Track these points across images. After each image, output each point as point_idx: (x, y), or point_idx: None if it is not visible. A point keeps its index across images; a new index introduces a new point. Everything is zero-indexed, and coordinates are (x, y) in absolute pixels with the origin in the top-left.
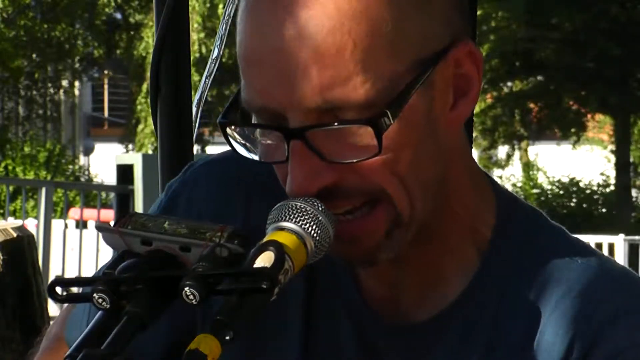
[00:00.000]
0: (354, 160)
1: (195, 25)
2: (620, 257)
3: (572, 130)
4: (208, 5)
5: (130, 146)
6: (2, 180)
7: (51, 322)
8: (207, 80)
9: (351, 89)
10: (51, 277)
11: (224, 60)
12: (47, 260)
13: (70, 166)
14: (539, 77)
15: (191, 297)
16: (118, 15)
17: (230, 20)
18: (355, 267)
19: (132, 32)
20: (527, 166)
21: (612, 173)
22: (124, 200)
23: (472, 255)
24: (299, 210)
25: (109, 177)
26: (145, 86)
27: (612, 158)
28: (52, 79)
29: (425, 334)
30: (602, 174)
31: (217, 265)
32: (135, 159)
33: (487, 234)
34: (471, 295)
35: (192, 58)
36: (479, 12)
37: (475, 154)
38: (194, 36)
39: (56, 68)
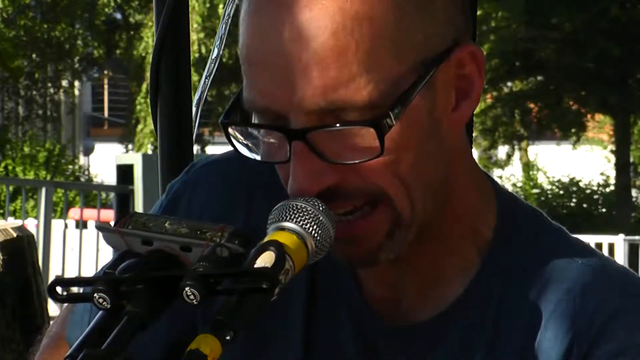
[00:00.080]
0: (356, 161)
1: (195, 25)
2: (620, 257)
3: (572, 130)
4: (208, 5)
5: (130, 146)
6: (2, 180)
7: (51, 322)
8: (206, 80)
9: (354, 90)
10: (51, 277)
11: (223, 60)
12: (47, 260)
13: (70, 166)
14: (539, 77)
15: (191, 297)
16: (118, 15)
17: (230, 20)
18: (356, 268)
19: (132, 32)
20: (527, 166)
21: (612, 173)
22: (124, 200)
23: (472, 255)
24: (299, 210)
25: (109, 177)
26: (145, 86)
27: (612, 158)
28: (52, 79)
29: (425, 335)
30: (602, 174)
31: (218, 265)
32: (135, 159)
33: (488, 234)
34: (472, 296)
35: (192, 58)
36: (479, 12)
37: (475, 154)
38: (193, 36)
39: (56, 68)
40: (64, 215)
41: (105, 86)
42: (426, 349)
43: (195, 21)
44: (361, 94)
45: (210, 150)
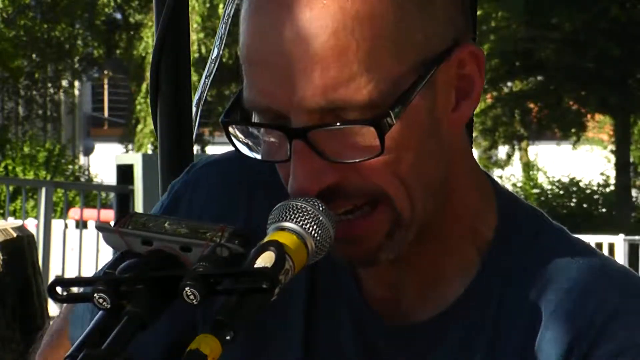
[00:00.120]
0: (356, 160)
1: (195, 25)
2: (620, 257)
3: (572, 130)
4: (208, 5)
5: (130, 146)
6: (2, 180)
7: (51, 322)
8: (206, 80)
9: (354, 90)
10: (51, 277)
11: (223, 60)
12: (47, 260)
13: (70, 166)
14: (539, 77)
15: (191, 297)
16: (118, 15)
17: (230, 20)
18: (356, 268)
19: (132, 32)
20: (527, 166)
21: (612, 173)
22: (124, 200)
23: (472, 255)
24: (299, 210)
25: (109, 177)
26: (144, 86)
27: (612, 158)
28: (52, 79)
29: (425, 335)
30: (602, 174)
31: (218, 265)
32: (135, 159)
33: (488, 234)
34: (472, 296)
35: (191, 58)
36: (479, 12)
37: (475, 154)
38: (193, 36)
39: (56, 68)
40: (64, 215)
41: (105, 86)
42: (426, 349)
43: (195, 21)
44: (361, 93)
45: (210, 150)
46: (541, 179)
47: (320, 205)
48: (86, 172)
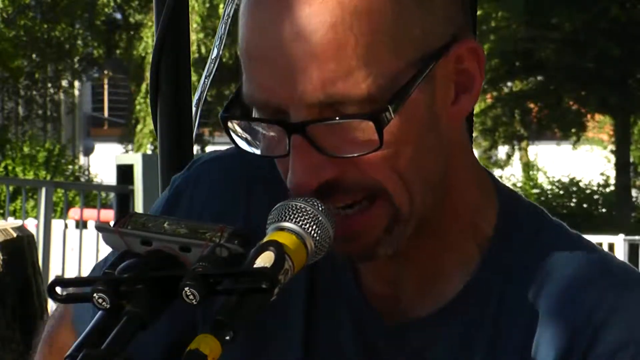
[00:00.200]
0: (355, 155)
1: (195, 25)
2: (620, 257)
3: (572, 130)
4: (208, 5)
5: (129, 146)
6: (2, 180)
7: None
8: (206, 80)
9: (353, 84)
10: (51, 277)
11: (223, 60)
12: (47, 260)
13: (70, 166)
14: (539, 77)
15: (191, 297)
16: (118, 15)
17: (230, 20)
18: (355, 263)
19: (132, 32)
20: (527, 166)
21: (612, 173)
22: (123, 200)
23: (472, 251)
24: (299, 211)
25: (109, 177)
26: (144, 86)
27: (612, 158)
28: (52, 79)
29: (424, 331)
30: (602, 174)
31: (217, 265)
32: (135, 159)
33: (488, 230)
34: (471, 292)
35: (191, 58)
36: (479, 12)
37: (475, 154)
38: (193, 36)
39: (56, 68)
40: (64, 215)
41: (105, 86)
42: (426, 346)
43: (195, 21)
44: (360, 88)
45: (210, 150)
46: (541, 179)
47: (319, 205)
48: (86, 172)
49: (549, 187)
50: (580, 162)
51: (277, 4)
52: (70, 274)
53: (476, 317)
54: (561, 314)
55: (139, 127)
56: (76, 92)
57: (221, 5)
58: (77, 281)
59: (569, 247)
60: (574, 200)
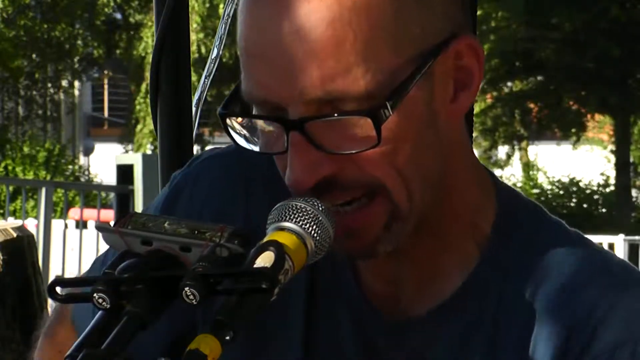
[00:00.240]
0: (353, 152)
1: (195, 26)
2: (620, 257)
3: (572, 130)
4: (208, 5)
5: (129, 146)
6: (2, 180)
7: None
8: (206, 80)
9: (351, 81)
10: (51, 277)
11: (223, 60)
12: (47, 260)
13: (70, 166)
14: (539, 77)
15: (191, 297)
16: (118, 15)
17: (230, 20)
18: (355, 261)
19: (132, 32)
20: (527, 166)
21: (612, 173)
22: (124, 200)
23: (471, 250)
24: (299, 211)
25: (109, 177)
26: (144, 86)
27: (612, 158)
28: (52, 79)
29: (424, 330)
30: (602, 174)
31: (217, 265)
32: (135, 159)
33: (487, 229)
34: (469, 290)
35: (191, 58)
36: (479, 12)
37: (476, 154)
38: (193, 36)
39: (56, 68)
40: (64, 215)
41: (105, 86)
42: (425, 345)
43: (195, 21)
44: (358, 84)
45: None
46: (541, 179)
47: (320, 205)
48: (86, 172)
49: (549, 187)
50: (580, 162)
51: (276, 1)
52: (70, 274)
53: (475, 315)
54: (560, 311)
55: (139, 127)
56: (76, 92)
57: (221, 5)
58: (77, 281)
59: (568, 245)
60: (574, 200)
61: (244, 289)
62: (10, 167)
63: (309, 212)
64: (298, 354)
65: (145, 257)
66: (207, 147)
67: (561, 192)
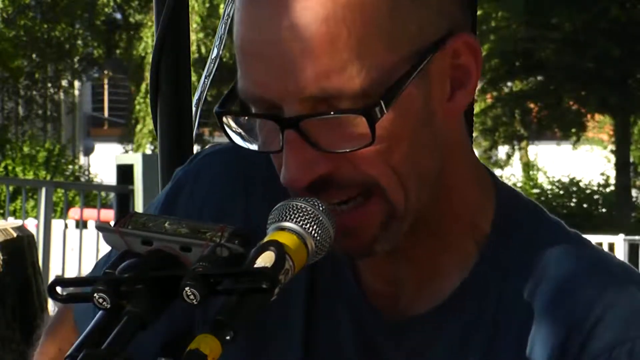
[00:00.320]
0: (347, 150)
1: (195, 26)
2: (620, 257)
3: (572, 130)
4: (208, 5)
5: (129, 146)
6: (2, 180)
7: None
8: (206, 80)
9: (346, 78)
10: (51, 277)
11: (223, 60)
12: (47, 260)
13: (70, 166)
14: (539, 77)
15: (191, 297)
16: (118, 15)
17: (230, 20)
18: (354, 261)
19: (132, 32)
20: (527, 166)
21: (612, 173)
22: (124, 200)
23: (471, 249)
24: (299, 210)
25: (109, 177)
26: (144, 86)
27: (612, 158)
28: (52, 79)
29: (423, 329)
30: (602, 174)
31: (218, 265)
32: (135, 159)
33: (487, 228)
34: (468, 289)
35: (191, 58)
36: (479, 12)
37: (476, 154)
38: (193, 36)
39: (56, 68)
40: (64, 215)
41: (105, 86)
42: (425, 344)
43: (195, 21)
44: (353, 82)
45: None
46: (541, 179)
47: (320, 205)
48: (86, 172)
49: (549, 187)
50: (580, 162)
51: None
52: (70, 274)
53: (475, 314)
54: (558, 311)
55: (139, 127)
56: (76, 92)
57: (221, 5)
58: (78, 281)
59: (568, 245)
60: (574, 200)
61: (244, 289)
62: (10, 167)
63: (310, 212)
64: (298, 354)
65: (146, 257)
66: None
67: (561, 192)
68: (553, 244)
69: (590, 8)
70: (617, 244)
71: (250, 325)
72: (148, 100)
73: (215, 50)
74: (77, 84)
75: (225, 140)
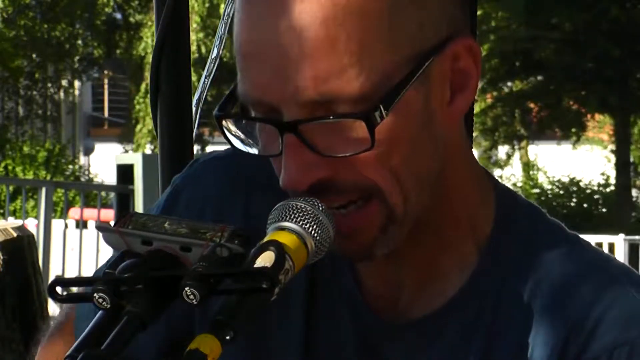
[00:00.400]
0: (347, 154)
1: (195, 25)
2: (620, 257)
3: (572, 130)
4: (208, 5)
5: (129, 146)
6: (2, 180)
7: (51, 323)
8: (206, 80)
9: (345, 82)
10: (51, 277)
11: (223, 60)
12: (47, 260)
13: (70, 166)
14: (539, 77)
15: (191, 296)
16: (118, 15)
17: (229, 20)
18: (354, 263)
19: (132, 32)
20: (527, 166)
21: (612, 173)
22: (124, 200)
23: (470, 251)
24: (299, 210)
25: (109, 177)
26: (143, 86)
27: (612, 158)
28: (52, 79)
29: (424, 331)
30: (602, 174)
31: (218, 265)
32: (135, 159)
33: (486, 230)
34: (469, 292)
35: (191, 58)
36: (479, 12)
37: (475, 154)
38: (193, 36)
39: (56, 68)
40: (64, 215)
41: (105, 86)
42: (425, 345)
43: (195, 21)
44: (352, 86)
45: (210, 150)
46: (541, 179)
47: (320, 205)
48: (86, 172)
49: (549, 187)
50: (580, 162)
51: (270, 0)
52: (70, 274)
53: (474, 316)
54: (557, 312)
55: (139, 127)
56: (76, 92)
57: (221, 5)
58: (78, 281)
59: (567, 247)
60: (574, 200)
61: (244, 289)
62: (10, 167)
63: (309, 212)
64: (298, 354)
65: (146, 257)
66: (207, 147)
67: (561, 192)
68: (553, 246)
69: (590, 8)
70: (617, 244)
71: (250, 325)
72: (148, 100)
73: (215, 50)
74: (77, 84)
75: (224, 142)
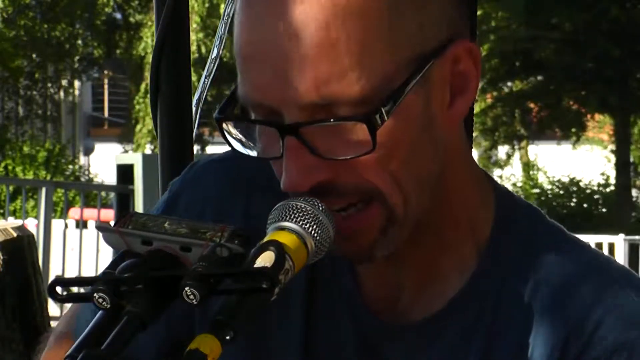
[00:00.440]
0: (348, 157)
1: (195, 25)
2: (620, 257)
3: (572, 130)
4: (208, 5)
5: (129, 146)
6: (2, 180)
7: (51, 322)
8: (206, 80)
9: (346, 85)
10: (51, 277)
11: (224, 60)
12: (47, 260)
13: (70, 166)
14: (539, 77)
15: (191, 296)
16: (118, 15)
17: (230, 20)
18: (354, 265)
19: (132, 32)
20: (527, 166)
21: (612, 173)
22: (124, 200)
23: (470, 253)
24: (299, 210)
25: (109, 177)
26: (143, 86)
27: (612, 158)
28: (52, 79)
29: (424, 333)
30: (602, 174)
31: (218, 265)
32: (135, 159)
33: (486, 232)
34: (469, 294)
35: (191, 58)
36: (479, 12)
37: (475, 154)
38: (193, 36)
39: (56, 68)
40: (64, 215)
41: (105, 86)
42: (424, 347)
43: (195, 21)
44: (353, 89)
45: (210, 150)
46: (541, 179)
47: (320, 205)
48: (86, 172)
49: (549, 187)
50: (580, 162)
51: (271, 2)
52: (70, 274)
53: (474, 318)
54: (557, 313)
55: (139, 127)
56: (76, 92)
57: (221, 5)
58: (77, 281)
59: (566, 249)
60: (574, 200)
61: (244, 289)
62: (10, 167)
63: (309, 212)
64: (298, 354)
65: (146, 257)
66: (207, 147)
67: (561, 192)
68: (552, 247)
69: (590, 8)
70: (617, 244)
71: (250, 325)
72: (148, 100)
73: (215, 50)
74: (77, 84)
75: (224, 142)
